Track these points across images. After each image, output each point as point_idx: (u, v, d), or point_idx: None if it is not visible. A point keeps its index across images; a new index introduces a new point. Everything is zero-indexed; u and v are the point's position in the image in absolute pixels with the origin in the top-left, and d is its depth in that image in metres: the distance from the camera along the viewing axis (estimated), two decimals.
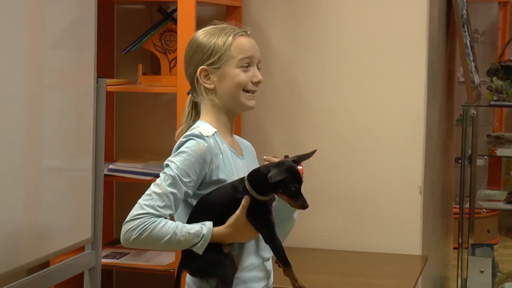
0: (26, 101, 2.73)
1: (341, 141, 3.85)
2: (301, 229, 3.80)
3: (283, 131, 3.92)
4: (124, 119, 4.02)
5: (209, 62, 2.36)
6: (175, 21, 3.61)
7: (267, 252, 2.40)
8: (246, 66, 2.36)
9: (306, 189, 4.03)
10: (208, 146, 2.30)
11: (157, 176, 2.31)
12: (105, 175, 3.28)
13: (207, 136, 2.32)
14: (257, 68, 2.41)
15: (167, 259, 3.60)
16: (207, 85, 2.38)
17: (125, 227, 2.24)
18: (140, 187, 2.47)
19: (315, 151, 2.35)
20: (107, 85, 3.17)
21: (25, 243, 2.74)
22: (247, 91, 2.38)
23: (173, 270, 3.46)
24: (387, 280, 3.44)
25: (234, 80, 2.36)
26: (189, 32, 3.35)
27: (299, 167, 2.31)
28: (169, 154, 2.35)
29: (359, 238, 3.84)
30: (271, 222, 2.31)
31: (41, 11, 2.80)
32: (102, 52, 3.29)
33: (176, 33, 3.51)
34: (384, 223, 3.82)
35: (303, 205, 2.27)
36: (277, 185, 2.24)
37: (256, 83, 2.39)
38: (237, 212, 2.27)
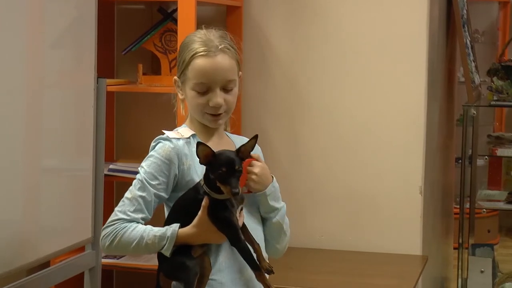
0: (26, 101, 2.73)
1: (341, 141, 3.85)
2: (301, 229, 3.82)
3: (283, 131, 3.92)
4: (124, 119, 4.02)
5: (178, 74, 2.36)
6: (175, 21, 3.61)
7: None
8: (202, 92, 2.29)
9: (306, 189, 4.03)
10: (174, 147, 2.29)
11: None
12: (105, 175, 3.28)
13: (175, 138, 2.31)
14: (227, 89, 2.31)
15: None
16: (179, 95, 2.39)
17: (101, 234, 2.28)
18: None
19: (256, 136, 2.28)
20: (107, 85, 3.17)
21: (25, 243, 2.74)
22: (208, 113, 2.32)
23: None
24: (387, 280, 3.44)
25: (191, 101, 2.33)
26: (190, 32, 3.34)
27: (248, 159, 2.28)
28: None
29: (359, 238, 3.84)
30: (234, 224, 2.24)
31: (41, 11, 2.80)
32: (102, 52, 3.29)
33: (176, 33, 3.50)
34: (384, 223, 3.81)
35: (232, 191, 2.18)
36: (209, 169, 2.21)
37: (213, 108, 2.30)
38: (199, 212, 2.24)
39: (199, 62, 2.29)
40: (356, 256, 3.76)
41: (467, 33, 4.53)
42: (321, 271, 3.56)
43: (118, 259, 3.66)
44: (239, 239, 2.25)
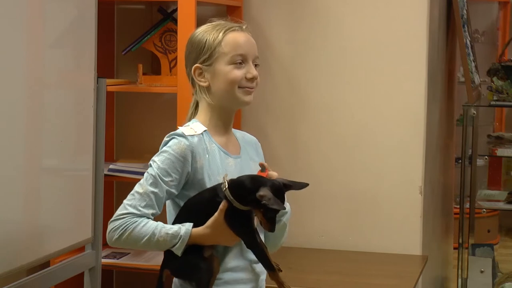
0: (26, 101, 2.73)
1: (341, 140, 3.85)
2: (301, 229, 3.82)
3: (283, 130, 3.92)
4: (124, 119, 4.02)
5: (201, 59, 2.35)
6: (175, 21, 3.61)
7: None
8: (239, 63, 2.33)
9: (306, 189, 4.04)
10: (189, 145, 2.29)
11: None
12: (105, 175, 3.28)
13: (190, 135, 2.31)
14: (254, 64, 2.37)
15: None
16: (201, 83, 2.37)
17: (109, 227, 2.26)
18: None
19: (307, 184, 2.34)
20: (107, 85, 3.17)
21: (25, 243, 2.74)
22: (242, 87, 2.35)
23: None
24: (387, 280, 3.44)
25: (227, 77, 2.33)
26: (190, 32, 3.32)
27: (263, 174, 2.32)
28: None
29: (359, 238, 3.84)
30: (251, 229, 2.28)
31: (41, 11, 2.80)
32: (102, 52, 3.29)
33: (176, 33, 3.51)
34: (384, 223, 3.81)
35: (271, 230, 2.25)
36: (262, 205, 2.21)
37: (250, 79, 2.35)
38: (215, 214, 2.25)
39: (234, 35, 2.35)
40: (356, 256, 3.76)
41: (467, 33, 4.53)
42: (321, 271, 3.56)
43: (118, 259, 3.66)
44: (256, 243, 2.29)
